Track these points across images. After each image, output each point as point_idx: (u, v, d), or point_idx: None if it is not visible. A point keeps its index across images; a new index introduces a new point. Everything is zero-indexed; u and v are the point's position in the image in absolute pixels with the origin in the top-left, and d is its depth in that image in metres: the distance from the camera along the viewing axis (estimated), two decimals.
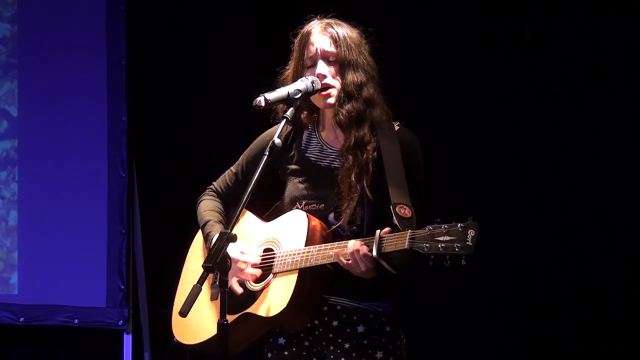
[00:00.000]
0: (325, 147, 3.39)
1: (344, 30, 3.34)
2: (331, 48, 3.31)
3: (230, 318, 3.19)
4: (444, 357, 5.14)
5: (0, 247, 5.49)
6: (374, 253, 3.06)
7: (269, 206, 3.51)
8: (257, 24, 5.48)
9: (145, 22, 5.53)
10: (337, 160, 3.34)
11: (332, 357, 3.29)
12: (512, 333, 5.00)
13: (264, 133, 3.50)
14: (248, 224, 3.47)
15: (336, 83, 3.31)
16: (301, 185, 3.36)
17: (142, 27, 5.51)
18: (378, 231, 3.08)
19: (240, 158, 3.54)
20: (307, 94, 3.28)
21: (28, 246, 5.47)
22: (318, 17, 3.40)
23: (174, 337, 3.51)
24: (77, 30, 5.49)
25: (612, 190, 4.85)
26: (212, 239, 3.38)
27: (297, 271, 3.22)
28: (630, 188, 4.82)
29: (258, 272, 3.32)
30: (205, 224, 3.47)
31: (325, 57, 3.32)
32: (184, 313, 2.96)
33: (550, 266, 4.94)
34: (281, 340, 3.36)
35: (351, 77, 3.29)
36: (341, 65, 3.30)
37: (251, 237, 3.42)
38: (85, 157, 5.47)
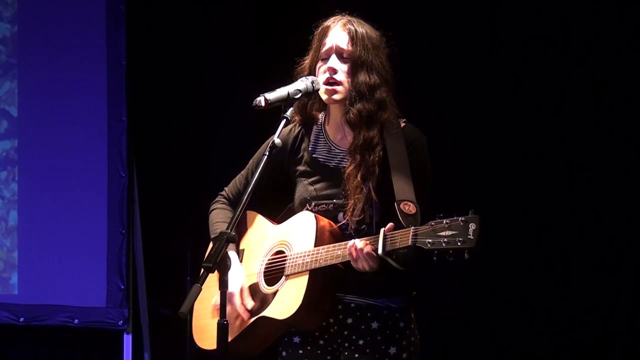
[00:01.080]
0: (333, 148, 3.39)
1: (363, 30, 3.33)
2: (347, 46, 3.30)
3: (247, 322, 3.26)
4: (454, 356, 5.15)
5: (0, 247, 5.49)
6: (380, 251, 3.07)
7: (280, 207, 3.50)
8: (257, 25, 5.48)
9: (145, 22, 5.53)
10: (345, 160, 3.34)
11: (346, 354, 3.29)
12: (518, 331, 5.01)
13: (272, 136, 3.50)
14: (259, 228, 3.48)
15: (345, 80, 3.30)
16: (310, 187, 3.37)
17: (142, 27, 5.52)
18: (382, 229, 3.09)
19: (250, 162, 3.54)
20: (307, 94, 3.28)
21: (28, 246, 5.47)
22: (342, 13, 3.39)
23: (195, 343, 3.51)
24: (77, 31, 5.49)
25: (617, 187, 4.85)
26: None
27: (308, 272, 3.23)
28: (635, 184, 4.83)
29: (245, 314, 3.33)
30: (215, 239, 3.44)
31: (340, 53, 3.31)
32: (183, 313, 2.96)
33: (557, 265, 4.94)
34: (296, 339, 3.37)
35: (364, 77, 3.28)
36: (354, 64, 3.30)
37: (263, 240, 3.43)
38: (85, 157, 5.46)
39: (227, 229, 3.06)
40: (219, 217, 3.52)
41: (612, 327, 4.87)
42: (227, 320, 3.01)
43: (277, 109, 3.29)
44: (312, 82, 3.28)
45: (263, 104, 3.20)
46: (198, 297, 3.50)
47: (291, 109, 3.25)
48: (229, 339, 3.32)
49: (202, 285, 2.98)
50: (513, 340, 5.02)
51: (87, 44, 5.48)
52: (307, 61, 3.40)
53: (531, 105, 4.98)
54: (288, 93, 3.24)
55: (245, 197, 3.11)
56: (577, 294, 4.91)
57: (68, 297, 5.41)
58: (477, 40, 5.07)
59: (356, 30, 3.31)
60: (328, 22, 3.37)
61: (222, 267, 3.02)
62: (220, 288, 3.03)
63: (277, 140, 3.18)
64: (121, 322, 5.39)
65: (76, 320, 5.41)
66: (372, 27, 3.37)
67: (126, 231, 5.41)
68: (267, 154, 3.17)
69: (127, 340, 5.42)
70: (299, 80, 3.29)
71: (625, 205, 4.85)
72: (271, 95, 3.22)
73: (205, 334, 3.46)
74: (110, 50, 5.47)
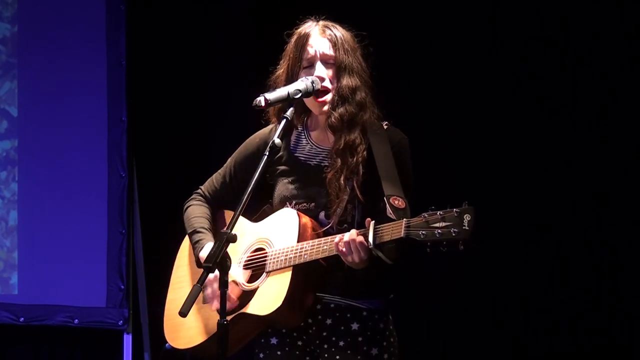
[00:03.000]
0: (314, 147, 3.39)
1: (341, 33, 3.35)
2: (330, 51, 3.32)
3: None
4: (444, 356, 5.15)
5: (0, 247, 5.49)
6: (370, 243, 3.06)
7: (256, 209, 3.50)
8: (257, 24, 5.48)
9: (145, 22, 5.54)
10: (327, 159, 3.34)
11: (326, 355, 3.29)
12: (516, 330, 5.01)
13: (252, 136, 3.50)
14: (237, 226, 3.43)
15: (332, 87, 3.31)
16: (291, 185, 3.36)
17: (142, 27, 5.52)
18: (372, 222, 3.08)
19: (228, 161, 3.53)
20: (307, 94, 3.28)
21: (28, 246, 5.47)
22: (313, 17, 3.40)
23: (166, 342, 3.49)
24: (77, 30, 5.49)
25: (616, 185, 4.86)
26: (201, 247, 3.38)
27: (291, 268, 3.22)
28: (633, 180, 4.83)
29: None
30: (194, 232, 3.46)
31: (324, 60, 3.32)
32: (183, 313, 2.95)
33: (554, 263, 4.94)
34: (273, 341, 3.35)
35: (347, 81, 3.30)
36: (338, 68, 3.31)
37: (241, 238, 3.39)
38: (85, 157, 5.47)
39: (227, 228, 3.07)
40: (196, 212, 3.51)
41: (612, 327, 4.87)
42: (227, 320, 3.01)
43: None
44: (312, 82, 3.28)
45: (263, 104, 3.20)
46: (170, 299, 3.51)
47: (291, 108, 3.26)
48: (203, 339, 3.34)
49: (202, 285, 2.99)
50: (510, 339, 5.02)
51: (87, 44, 5.49)
52: (281, 71, 3.39)
53: (531, 104, 4.98)
54: (288, 93, 3.25)
55: (246, 196, 3.11)
56: (576, 293, 4.91)
57: (68, 297, 5.42)
58: (477, 40, 5.07)
59: (336, 35, 3.33)
60: (305, 29, 3.37)
61: (222, 267, 3.02)
62: (220, 288, 3.02)
63: (278, 141, 3.18)
64: (121, 322, 5.39)
65: (76, 320, 5.41)
66: (345, 28, 3.38)
67: (126, 231, 5.42)
68: (268, 154, 3.18)
69: (127, 340, 5.43)
70: (299, 80, 3.29)
71: (623, 203, 4.85)
72: (271, 95, 3.22)
73: (179, 333, 3.44)
74: (110, 50, 5.47)
